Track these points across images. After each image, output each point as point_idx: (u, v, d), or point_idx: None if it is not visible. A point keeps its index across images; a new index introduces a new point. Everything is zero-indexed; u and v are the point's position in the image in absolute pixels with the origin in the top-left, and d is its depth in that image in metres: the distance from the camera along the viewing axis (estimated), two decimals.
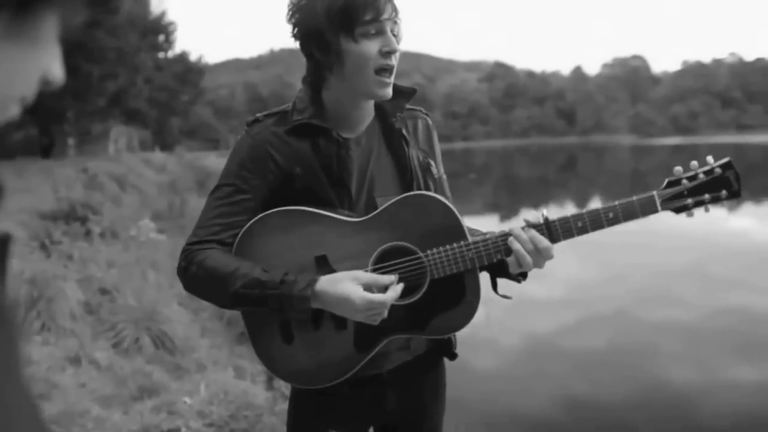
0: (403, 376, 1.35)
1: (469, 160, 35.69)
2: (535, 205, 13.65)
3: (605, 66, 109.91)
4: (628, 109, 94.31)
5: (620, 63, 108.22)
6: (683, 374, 4.41)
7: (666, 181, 1.26)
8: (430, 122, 1.39)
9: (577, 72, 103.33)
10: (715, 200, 1.26)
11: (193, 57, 30.50)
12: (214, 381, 3.18)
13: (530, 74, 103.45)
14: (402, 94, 1.30)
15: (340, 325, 1.25)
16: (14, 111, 0.41)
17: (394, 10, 1.19)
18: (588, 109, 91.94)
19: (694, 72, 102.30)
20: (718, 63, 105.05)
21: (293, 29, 1.22)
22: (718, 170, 1.25)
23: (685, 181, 1.25)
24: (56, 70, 0.42)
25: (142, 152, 27.79)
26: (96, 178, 10.05)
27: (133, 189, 11.82)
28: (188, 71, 29.34)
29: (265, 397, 3.10)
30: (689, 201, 1.25)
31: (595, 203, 1.31)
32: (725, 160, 1.27)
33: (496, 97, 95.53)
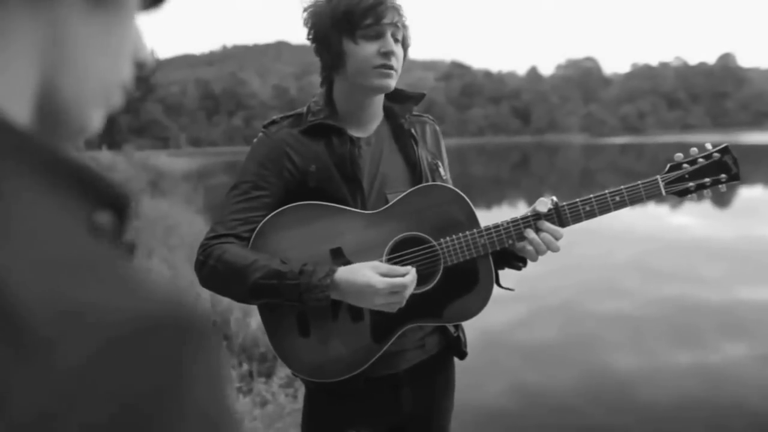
0: (418, 375, 1.35)
1: None
2: (488, 205, 13.87)
3: (559, 67, 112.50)
4: (581, 109, 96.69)
5: (573, 64, 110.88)
6: (626, 360, 4.65)
7: (668, 165, 1.30)
8: (437, 128, 1.43)
9: (533, 72, 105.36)
10: (716, 183, 1.30)
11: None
12: None
13: (487, 74, 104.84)
14: (411, 98, 1.35)
15: (356, 317, 1.26)
16: (118, 99, 0.37)
17: (398, 15, 1.24)
18: (542, 109, 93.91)
19: (643, 74, 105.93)
20: (664, 66, 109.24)
21: (308, 33, 1.29)
22: (716, 155, 1.30)
23: (686, 165, 1.30)
24: (145, 49, 0.38)
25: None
26: None
27: None
28: (139, 66, 28.49)
29: (243, 403, 3.00)
30: (691, 185, 1.29)
31: None
32: (723, 145, 1.31)
33: (453, 96, 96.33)
